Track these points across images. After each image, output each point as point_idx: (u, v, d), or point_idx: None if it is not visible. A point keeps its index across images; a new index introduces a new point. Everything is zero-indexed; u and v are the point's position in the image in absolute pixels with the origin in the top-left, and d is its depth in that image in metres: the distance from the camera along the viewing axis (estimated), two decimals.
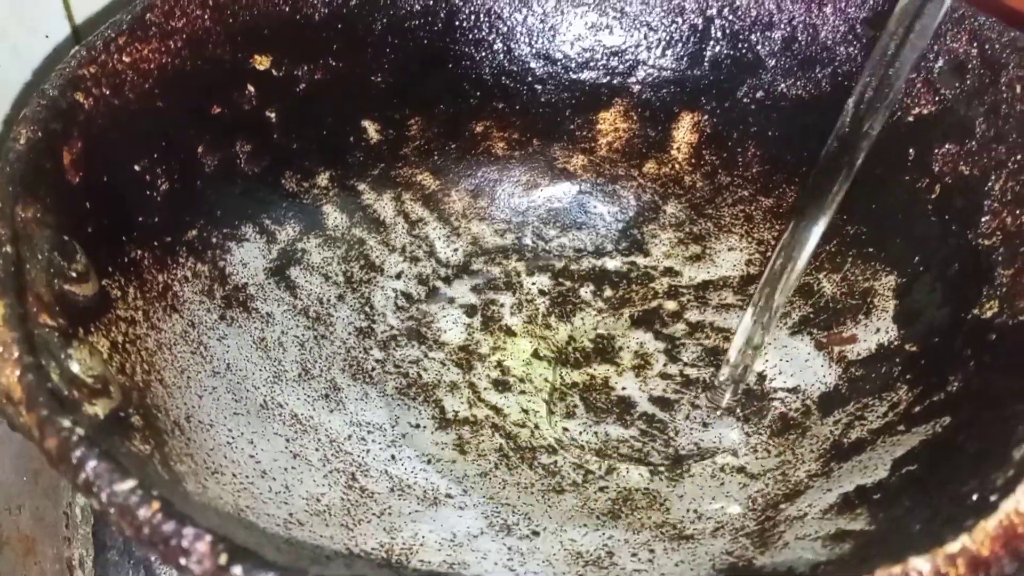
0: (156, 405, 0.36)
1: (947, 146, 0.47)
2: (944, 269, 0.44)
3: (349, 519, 0.38)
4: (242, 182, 0.49)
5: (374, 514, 0.38)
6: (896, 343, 0.44)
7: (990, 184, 0.44)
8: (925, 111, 0.48)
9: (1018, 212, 0.42)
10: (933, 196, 0.47)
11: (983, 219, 0.43)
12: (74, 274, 0.36)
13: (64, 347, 0.32)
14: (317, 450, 0.41)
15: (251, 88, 0.50)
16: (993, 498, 0.27)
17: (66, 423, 0.27)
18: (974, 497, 0.30)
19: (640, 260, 0.52)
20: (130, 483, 0.26)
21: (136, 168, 0.43)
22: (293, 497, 0.38)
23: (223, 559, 0.24)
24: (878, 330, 0.45)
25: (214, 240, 0.46)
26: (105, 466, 0.27)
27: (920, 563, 0.24)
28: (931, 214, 0.46)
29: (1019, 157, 0.43)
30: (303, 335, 0.46)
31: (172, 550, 0.25)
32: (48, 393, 0.28)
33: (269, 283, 0.47)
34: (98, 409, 0.32)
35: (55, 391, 0.28)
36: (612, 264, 0.52)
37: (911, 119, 0.49)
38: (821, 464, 0.40)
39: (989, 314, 0.40)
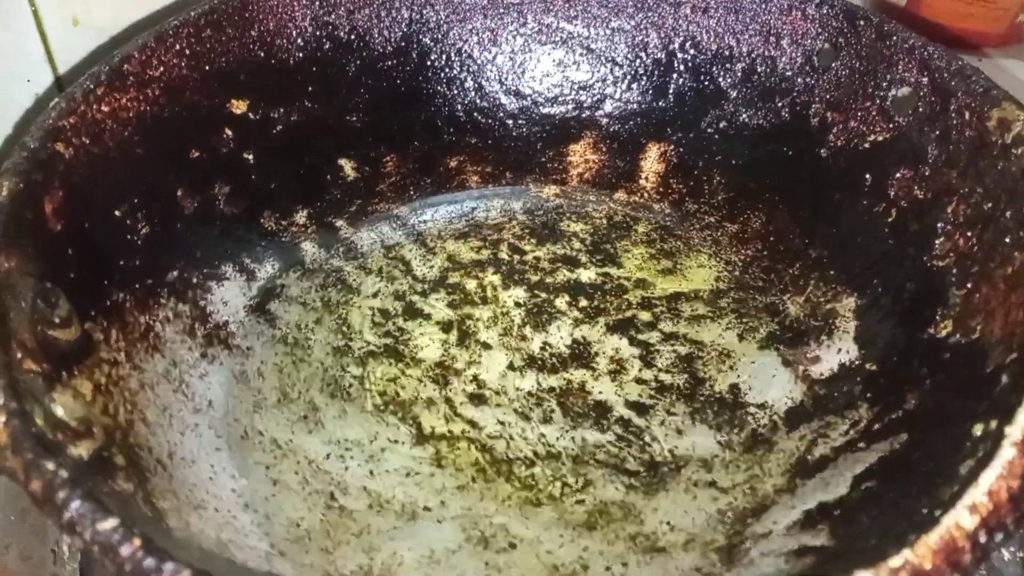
0: (139, 444, 0.38)
1: (902, 171, 0.48)
2: (901, 290, 0.46)
3: (329, 542, 0.39)
4: (221, 223, 0.50)
5: (353, 534, 0.40)
6: (857, 362, 0.46)
7: (943, 207, 0.46)
8: (880, 138, 0.50)
9: (969, 234, 0.44)
10: (890, 220, 0.48)
11: (937, 241, 0.45)
12: (57, 320, 0.37)
13: (48, 391, 0.33)
14: (296, 473, 0.42)
15: (228, 132, 0.51)
16: (938, 513, 0.28)
17: (50, 466, 0.28)
18: (923, 512, 0.31)
19: (614, 271, 0.53)
20: (112, 522, 0.27)
21: (117, 214, 0.44)
22: (274, 526, 0.39)
23: None
24: (840, 350, 0.47)
25: (195, 280, 0.48)
26: (88, 506, 0.28)
27: None
28: (888, 237, 0.48)
29: (969, 181, 0.45)
30: (281, 362, 0.47)
31: None
32: (32, 437, 0.29)
33: (249, 319, 0.49)
34: (82, 450, 0.33)
35: (39, 435, 0.29)
36: (586, 276, 0.53)
37: (867, 145, 0.51)
38: (787, 480, 0.42)
39: (943, 333, 0.42)
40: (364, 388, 0.46)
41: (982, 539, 0.27)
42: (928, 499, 0.32)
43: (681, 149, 0.58)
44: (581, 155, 0.59)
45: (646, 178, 0.58)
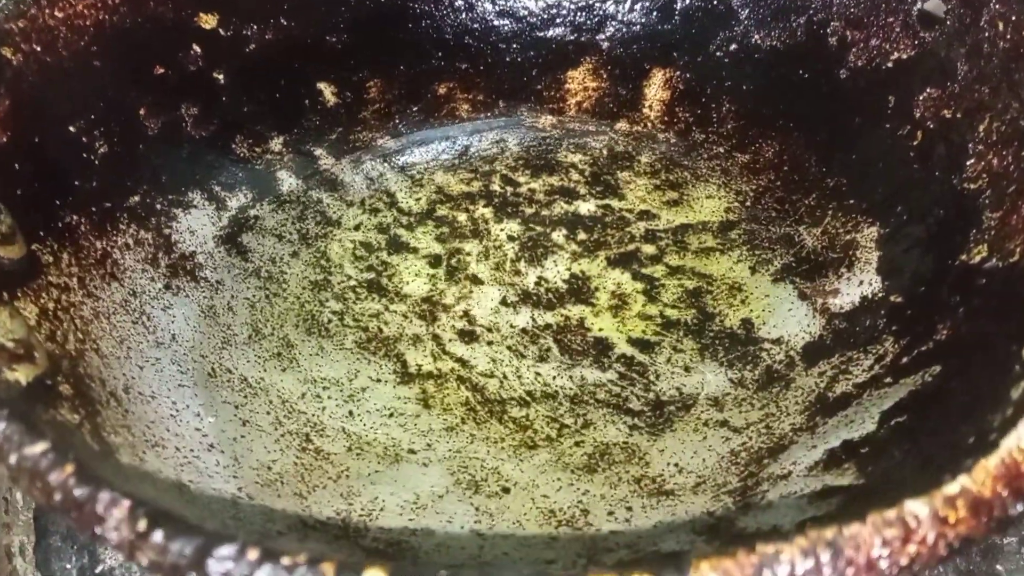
0: (90, 375, 0.34)
1: (928, 90, 0.44)
2: (928, 216, 0.42)
3: (303, 486, 0.35)
4: (189, 147, 0.46)
5: (330, 478, 0.36)
6: (880, 295, 0.42)
7: (974, 126, 0.42)
8: (904, 56, 0.46)
9: (1005, 153, 0.40)
10: (915, 143, 0.44)
11: (968, 162, 0.41)
12: None
13: None
14: (269, 413, 0.38)
15: (197, 48, 0.47)
16: (992, 437, 0.24)
17: None
18: (970, 440, 0.27)
19: (615, 203, 0.49)
20: (41, 446, 0.24)
21: (71, 129, 0.40)
22: (243, 468, 0.36)
23: (142, 525, 0.22)
24: (861, 282, 0.43)
25: (158, 207, 0.44)
26: (15, 428, 0.24)
27: (917, 507, 0.22)
28: (913, 161, 0.44)
29: (1004, 96, 0.41)
30: (254, 296, 0.43)
31: (86, 516, 0.22)
32: None
33: (219, 251, 0.45)
34: (19, 375, 0.29)
35: None
36: (585, 208, 0.49)
37: (890, 65, 0.47)
38: (806, 418, 0.38)
39: (978, 259, 0.38)
40: (344, 324, 0.43)
41: None
42: (974, 427, 0.29)
43: (688, 75, 0.53)
44: (580, 82, 0.55)
45: (650, 106, 0.54)
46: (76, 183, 0.40)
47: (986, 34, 0.42)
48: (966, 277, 0.38)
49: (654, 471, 0.37)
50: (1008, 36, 0.41)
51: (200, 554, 0.21)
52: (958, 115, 0.43)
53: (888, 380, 0.37)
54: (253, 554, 0.21)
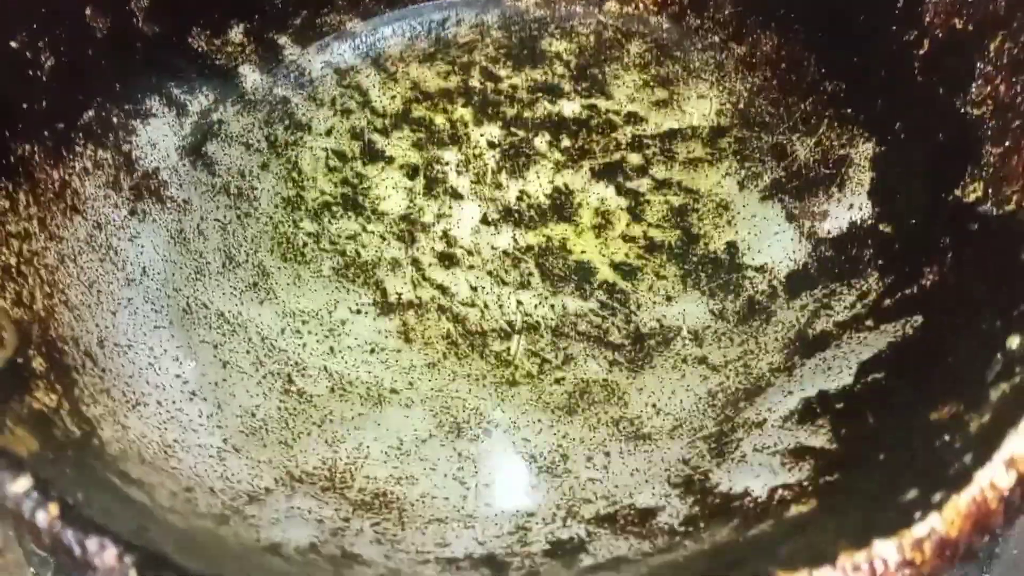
0: (62, 336, 0.33)
1: None
2: (927, 138, 0.41)
3: (288, 433, 0.36)
4: (142, 46, 0.42)
5: (314, 423, 0.36)
6: (870, 222, 0.41)
7: (985, 43, 0.39)
8: None
9: (1013, 80, 0.38)
10: (921, 52, 0.42)
11: (974, 84, 0.39)
12: None
13: None
14: (248, 352, 0.38)
15: None
16: (968, 456, 0.25)
17: None
18: (945, 437, 0.28)
19: (601, 103, 0.47)
20: (24, 482, 0.23)
21: (13, 45, 0.37)
22: (226, 416, 0.36)
23: (131, 573, 0.22)
24: (851, 206, 0.42)
25: (115, 120, 0.41)
26: None
27: (885, 549, 0.23)
28: (918, 73, 0.42)
29: (1021, 15, 0.38)
30: (224, 216, 0.42)
31: (76, 562, 0.23)
32: None
33: (183, 164, 0.42)
34: None
35: None
36: (570, 108, 0.47)
37: None
38: (784, 356, 0.38)
39: (972, 198, 0.37)
40: (320, 248, 0.41)
41: (1016, 500, 0.24)
42: (949, 413, 0.29)
43: None
44: None
45: None
46: (24, 106, 0.37)
47: None
48: (959, 217, 0.37)
49: (632, 412, 0.37)
50: None
51: None
52: (969, 27, 0.40)
53: (869, 323, 0.38)
54: None
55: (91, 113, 0.40)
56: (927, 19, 0.42)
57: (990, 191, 0.37)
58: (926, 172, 0.40)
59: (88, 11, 0.40)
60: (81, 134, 0.39)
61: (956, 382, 0.31)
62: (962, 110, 0.39)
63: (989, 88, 0.39)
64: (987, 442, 0.25)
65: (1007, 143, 0.37)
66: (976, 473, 0.24)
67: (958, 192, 0.38)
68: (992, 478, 0.24)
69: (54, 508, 0.23)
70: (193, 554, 0.24)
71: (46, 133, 0.38)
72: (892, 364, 0.35)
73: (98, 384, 0.33)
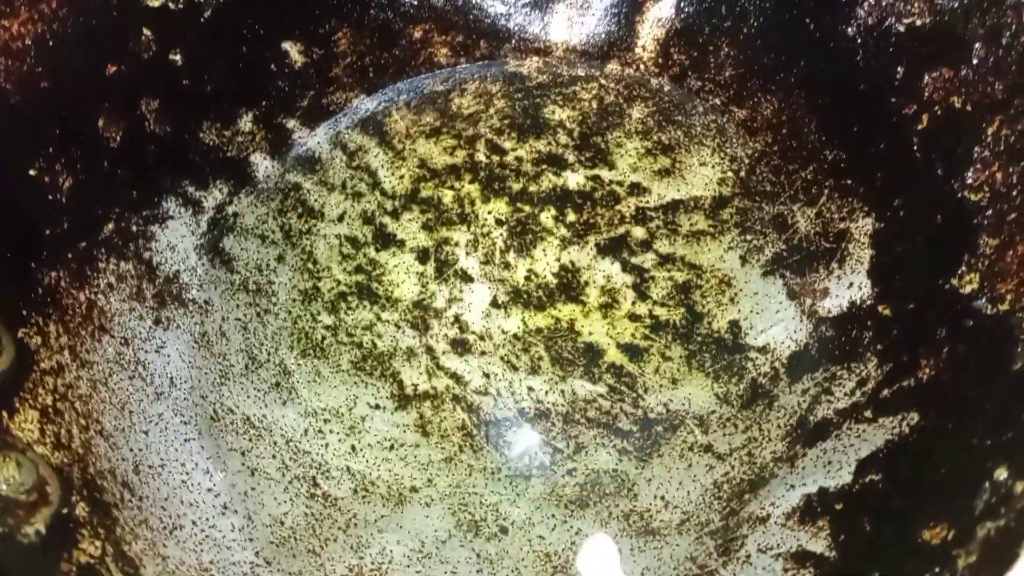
0: (100, 471, 0.35)
1: (940, 70, 0.42)
2: (926, 218, 0.42)
3: (315, 540, 0.38)
4: (155, 148, 0.43)
5: (340, 528, 0.39)
6: (869, 302, 0.42)
7: (983, 127, 0.40)
8: (918, 22, 0.43)
9: (1011, 169, 0.38)
10: (920, 127, 0.42)
11: (972, 168, 0.40)
12: None
13: None
14: (275, 456, 0.40)
15: (147, 32, 0.43)
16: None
17: None
18: (936, 570, 0.30)
19: (605, 174, 0.48)
20: None
21: (32, 173, 0.38)
22: (256, 528, 0.38)
23: None
24: (851, 284, 0.43)
25: (134, 228, 0.42)
26: None
27: None
28: (916, 148, 0.42)
29: (1017, 101, 0.39)
30: (245, 315, 0.43)
31: None
32: None
33: (202, 263, 0.44)
34: (38, 525, 0.30)
35: None
36: (574, 180, 0.48)
37: (902, 28, 0.43)
38: (787, 445, 0.40)
39: (968, 289, 0.38)
40: (338, 341, 0.43)
41: None
42: (938, 539, 0.31)
43: (684, 12, 0.49)
44: (567, 17, 0.50)
45: (643, 46, 0.50)
46: (47, 232, 0.39)
47: (1009, 20, 0.39)
48: (954, 308, 0.38)
49: (642, 505, 0.39)
50: None
51: None
52: (968, 107, 0.41)
53: (868, 414, 0.39)
54: None
55: (111, 226, 0.41)
56: (926, 94, 0.42)
57: (985, 285, 0.38)
58: (924, 254, 0.41)
59: (101, 122, 0.41)
60: (103, 249, 0.41)
61: (947, 501, 0.32)
62: (960, 194, 0.40)
63: (986, 174, 0.39)
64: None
65: (1003, 236, 0.38)
66: None
67: (955, 281, 0.39)
68: None
69: None
70: None
71: (70, 255, 0.39)
72: (889, 465, 0.37)
73: (137, 516, 0.35)
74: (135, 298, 0.41)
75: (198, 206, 0.45)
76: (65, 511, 0.32)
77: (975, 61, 0.40)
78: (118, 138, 0.42)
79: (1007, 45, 0.39)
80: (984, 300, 0.37)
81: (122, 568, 0.32)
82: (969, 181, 0.40)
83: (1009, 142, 0.39)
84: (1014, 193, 0.38)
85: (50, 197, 0.39)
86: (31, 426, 0.34)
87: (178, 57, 0.44)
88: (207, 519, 0.37)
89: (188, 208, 0.44)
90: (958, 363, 0.37)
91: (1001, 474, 0.31)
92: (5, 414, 0.33)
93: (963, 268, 0.39)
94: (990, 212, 0.39)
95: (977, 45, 0.40)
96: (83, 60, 0.40)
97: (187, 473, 0.38)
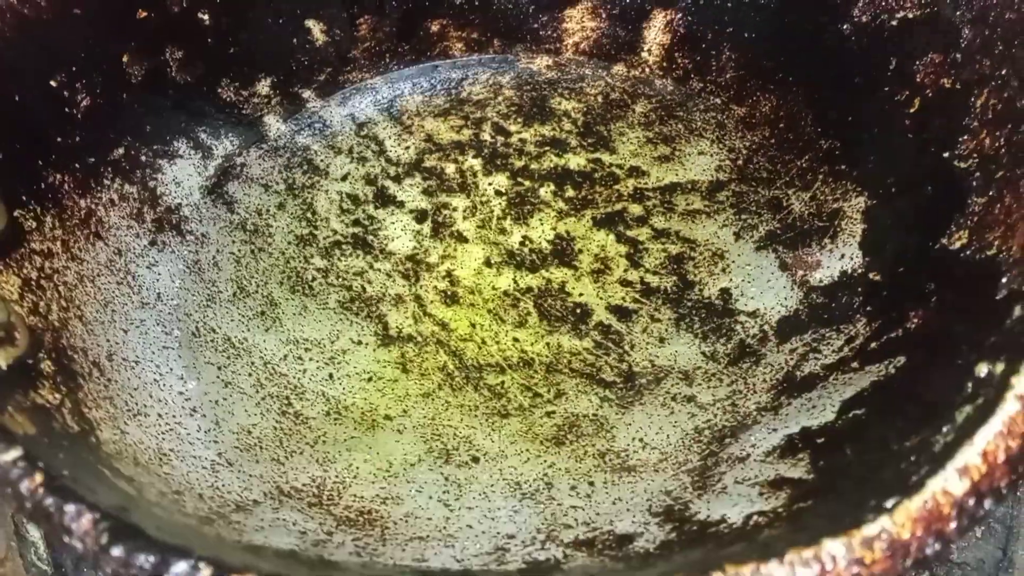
0: (72, 346, 0.35)
1: (931, 55, 0.43)
2: (916, 191, 0.42)
3: (281, 451, 0.37)
4: (173, 93, 0.46)
5: (307, 443, 0.38)
6: (860, 271, 0.42)
7: (972, 100, 0.41)
8: (910, 15, 0.45)
9: (997, 133, 0.39)
10: (911, 111, 0.43)
11: (961, 139, 0.40)
12: None
13: None
14: (251, 375, 0.40)
15: None
16: (925, 469, 0.25)
17: None
18: (911, 458, 0.28)
19: (605, 157, 0.49)
20: (14, 453, 0.25)
21: (52, 84, 0.40)
22: (223, 433, 0.37)
23: (104, 538, 0.23)
24: (843, 256, 0.43)
25: (143, 158, 0.44)
26: None
27: (835, 547, 0.23)
28: (908, 130, 0.43)
29: (1004, 72, 0.39)
30: (239, 251, 0.44)
31: (54, 526, 0.24)
32: None
33: (204, 201, 0.45)
34: (0, 360, 0.30)
35: None
36: (575, 162, 0.49)
37: (895, 23, 0.45)
38: (771, 397, 0.39)
39: (957, 245, 0.38)
40: (328, 282, 0.43)
41: (970, 505, 0.24)
42: (918, 443, 0.29)
43: (690, 18, 0.52)
44: (578, 21, 0.53)
45: (649, 50, 0.52)
46: (58, 140, 0.40)
47: (994, 1, 0.41)
48: (944, 264, 0.38)
49: (619, 445, 0.38)
50: (1015, 6, 0.39)
51: (157, 569, 0.23)
52: (957, 85, 0.42)
53: (855, 364, 0.38)
54: (206, 571, 0.23)
55: (121, 151, 0.43)
56: (917, 79, 0.44)
57: (974, 238, 0.37)
58: (915, 223, 0.41)
59: (125, 59, 0.44)
60: (110, 169, 0.42)
61: (929, 413, 0.31)
62: (950, 164, 0.40)
63: (975, 143, 0.40)
64: (947, 456, 0.26)
65: (991, 193, 0.38)
66: (928, 480, 0.24)
67: (944, 240, 0.39)
68: (944, 485, 0.24)
69: (39, 477, 0.24)
70: (169, 535, 0.25)
71: (77, 166, 0.40)
72: (872, 401, 0.35)
73: (102, 392, 0.34)
74: (134, 218, 0.42)
75: (208, 152, 0.46)
76: (31, 361, 0.32)
77: (963, 43, 0.42)
78: (140, 76, 0.44)
79: (993, 24, 0.41)
80: (972, 250, 0.37)
81: (77, 422, 0.31)
82: (959, 151, 0.40)
83: (996, 110, 0.39)
84: (1002, 153, 0.38)
85: (66, 110, 0.41)
86: (11, 288, 0.34)
87: (206, 17, 0.47)
88: (173, 415, 0.36)
89: (198, 152, 0.46)
90: (945, 307, 0.37)
91: (982, 370, 0.30)
92: None
93: (952, 228, 0.39)
94: (978, 174, 0.39)
95: (965, 29, 0.42)
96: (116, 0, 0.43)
97: (160, 374, 0.38)
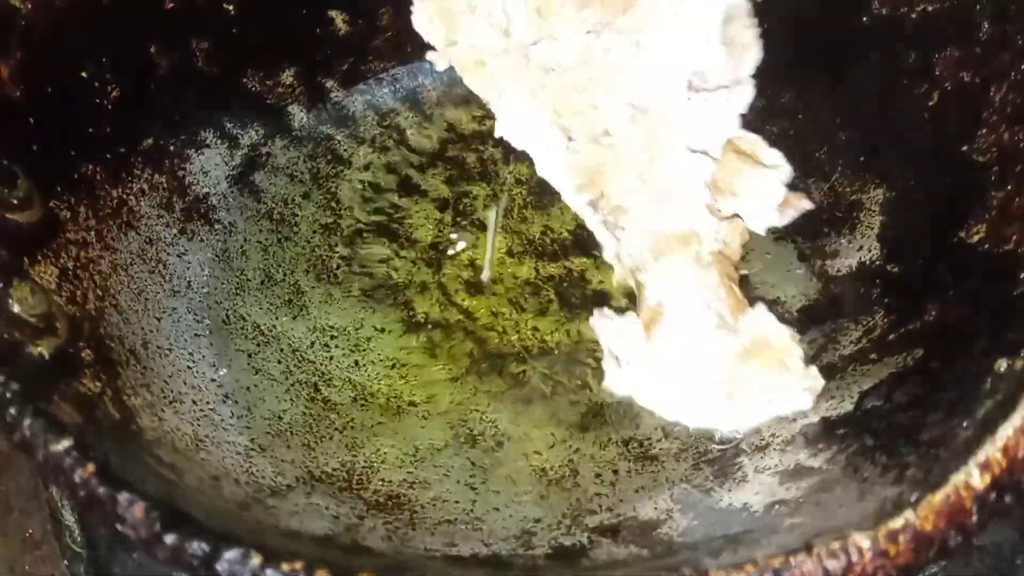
0: (110, 334, 0.36)
1: (950, 49, 0.43)
2: (935, 185, 0.42)
3: (311, 436, 0.38)
4: (200, 83, 0.46)
5: (336, 429, 0.39)
6: (878, 263, 0.43)
7: (991, 94, 0.41)
8: (931, 8, 0.45)
9: (1016, 127, 0.39)
10: (931, 104, 0.44)
11: (980, 132, 0.41)
12: (15, 200, 0.34)
13: (3, 286, 0.31)
14: (280, 362, 0.40)
15: None
16: (946, 463, 0.26)
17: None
18: (932, 452, 0.29)
19: None
20: (66, 443, 0.26)
21: (83, 75, 0.41)
22: (255, 419, 0.38)
23: (156, 526, 0.24)
24: (861, 247, 0.44)
25: (172, 148, 0.44)
26: (40, 424, 0.26)
27: (861, 539, 0.24)
28: (928, 123, 0.44)
29: (1023, 66, 0.40)
30: (266, 239, 0.45)
31: (107, 514, 0.25)
32: None
33: (232, 191, 0.46)
34: (43, 349, 0.31)
35: None
36: None
37: (915, 16, 0.45)
38: None
39: (976, 239, 0.39)
40: (351, 270, 0.44)
41: (991, 499, 0.25)
42: (939, 433, 0.30)
43: None
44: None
45: None
46: (90, 131, 0.41)
47: None
48: (962, 257, 0.39)
49: (642, 434, 0.39)
50: None
51: (210, 556, 0.24)
52: (976, 79, 0.42)
53: (873, 356, 0.39)
54: (256, 559, 0.24)
55: (150, 141, 0.43)
56: (937, 72, 0.44)
57: (992, 232, 0.38)
58: (933, 216, 0.42)
59: (153, 49, 0.44)
60: (140, 159, 0.43)
61: (949, 406, 0.32)
62: (969, 158, 0.41)
63: (994, 136, 0.40)
64: (968, 450, 0.26)
65: (1009, 186, 0.39)
66: (952, 475, 0.25)
67: (962, 234, 0.39)
68: (967, 479, 0.25)
69: (91, 467, 0.25)
70: (215, 521, 0.26)
71: (108, 156, 0.41)
72: (892, 392, 0.36)
73: (139, 379, 0.35)
74: (164, 207, 0.43)
75: (234, 141, 0.47)
76: (71, 350, 0.33)
77: (983, 37, 0.42)
78: (168, 66, 0.45)
79: (1013, 17, 0.41)
80: (990, 244, 0.38)
81: (118, 409, 0.32)
82: (978, 145, 0.41)
83: (1016, 104, 0.40)
84: (1020, 147, 0.39)
85: (97, 101, 0.41)
86: (49, 278, 0.35)
87: (232, 7, 0.47)
88: (207, 402, 0.37)
89: (224, 141, 0.47)
90: (963, 300, 0.37)
91: (1001, 365, 0.30)
92: (27, 259, 0.34)
93: (971, 221, 0.39)
94: (996, 168, 0.40)
95: (985, 23, 0.42)
96: None
97: (193, 362, 0.39)
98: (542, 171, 0.42)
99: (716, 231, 0.40)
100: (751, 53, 0.41)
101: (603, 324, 0.40)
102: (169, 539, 0.24)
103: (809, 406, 0.37)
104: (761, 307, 0.40)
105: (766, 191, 0.40)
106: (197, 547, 0.24)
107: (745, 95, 0.41)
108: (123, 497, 0.25)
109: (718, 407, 0.38)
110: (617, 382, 0.38)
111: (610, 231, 0.41)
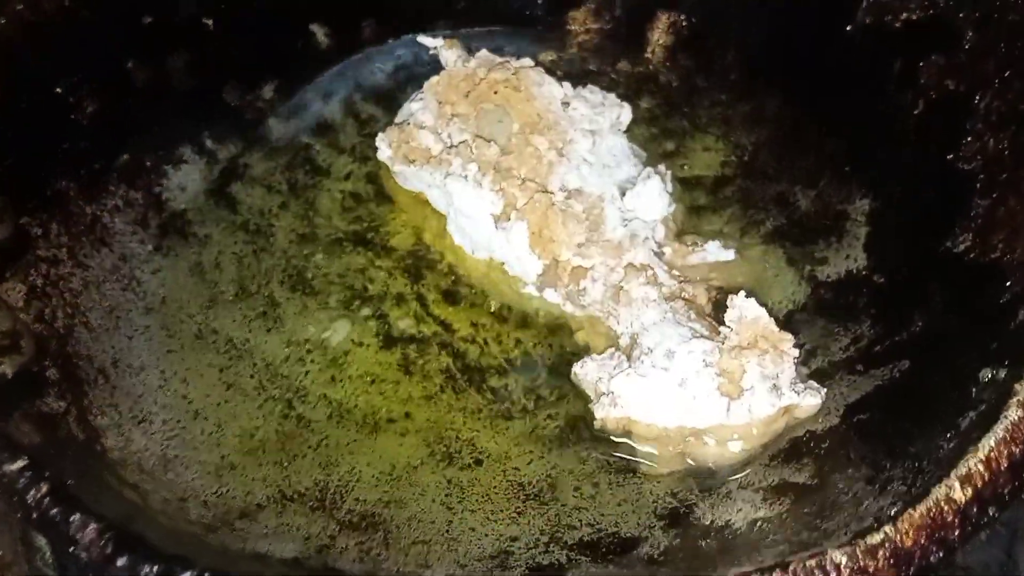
0: (78, 353, 0.35)
1: (935, 57, 0.43)
2: (920, 194, 0.42)
3: (283, 455, 0.37)
4: (179, 98, 0.46)
5: (310, 447, 0.38)
6: (864, 272, 0.42)
7: (975, 102, 0.40)
8: (915, 16, 0.44)
9: (1001, 135, 0.39)
10: (916, 112, 0.43)
11: (965, 140, 0.40)
12: None
13: None
14: (252, 376, 0.40)
15: None
16: (928, 476, 0.25)
17: None
18: (915, 464, 0.28)
19: None
20: (20, 463, 0.25)
21: (58, 90, 0.40)
22: (226, 436, 0.37)
23: (109, 548, 0.23)
24: (848, 256, 0.43)
25: (148, 164, 0.44)
26: None
27: (838, 556, 0.23)
28: (912, 132, 0.43)
29: (1007, 73, 0.39)
30: (241, 251, 0.44)
31: (60, 535, 0.24)
32: None
33: (208, 204, 0.45)
34: (5, 367, 0.30)
35: None
36: None
37: (899, 24, 0.45)
38: None
39: (962, 248, 0.38)
40: (328, 280, 0.43)
41: (974, 512, 0.24)
42: (922, 445, 0.30)
43: (694, 19, 0.52)
44: (582, 23, 0.53)
45: (652, 51, 0.52)
46: (65, 146, 0.40)
47: (998, 2, 0.41)
48: (948, 266, 0.38)
49: (624, 448, 0.38)
50: (1019, 8, 0.39)
51: None
52: (961, 88, 0.41)
53: (860, 368, 0.38)
54: None
55: (126, 157, 0.43)
56: (921, 80, 0.43)
57: (978, 241, 0.37)
58: (919, 226, 0.41)
59: (130, 64, 0.44)
60: (115, 175, 0.42)
61: (933, 418, 0.31)
62: (953, 166, 0.40)
63: (979, 144, 0.40)
64: (951, 463, 0.26)
65: (994, 195, 0.38)
66: (933, 488, 0.24)
67: (948, 244, 0.39)
68: (948, 493, 0.24)
69: (45, 487, 0.24)
70: (176, 545, 0.25)
71: (83, 172, 0.41)
72: (877, 405, 0.35)
73: (107, 399, 0.34)
74: (139, 224, 0.42)
75: (212, 156, 0.47)
76: (35, 369, 0.32)
77: (967, 45, 0.42)
78: (145, 81, 0.44)
79: (997, 24, 0.40)
80: (977, 253, 0.37)
81: (83, 430, 0.32)
82: (963, 153, 0.40)
83: (1000, 112, 0.39)
84: (1006, 155, 0.38)
85: (72, 116, 0.41)
86: (17, 296, 0.34)
87: (211, 22, 0.47)
88: (178, 420, 0.37)
89: (203, 156, 0.46)
90: (949, 310, 0.36)
91: (986, 375, 0.30)
92: None
93: (957, 231, 0.39)
94: (982, 176, 0.39)
95: (969, 30, 0.42)
96: (121, 5, 0.43)
97: (164, 380, 0.38)
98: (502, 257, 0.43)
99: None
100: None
101: (586, 369, 0.39)
102: (121, 562, 0.23)
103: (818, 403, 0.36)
104: (743, 295, 0.39)
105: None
106: (148, 570, 0.23)
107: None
108: (76, 518, 0.24)
109: (718, 405, 0.36)
110: (610, 412, 0.37)
111: (574, 303, 0.41)
